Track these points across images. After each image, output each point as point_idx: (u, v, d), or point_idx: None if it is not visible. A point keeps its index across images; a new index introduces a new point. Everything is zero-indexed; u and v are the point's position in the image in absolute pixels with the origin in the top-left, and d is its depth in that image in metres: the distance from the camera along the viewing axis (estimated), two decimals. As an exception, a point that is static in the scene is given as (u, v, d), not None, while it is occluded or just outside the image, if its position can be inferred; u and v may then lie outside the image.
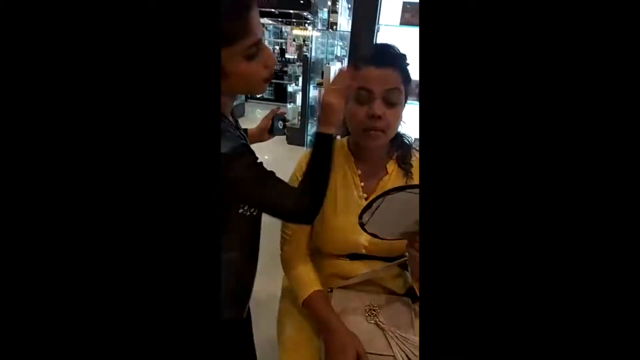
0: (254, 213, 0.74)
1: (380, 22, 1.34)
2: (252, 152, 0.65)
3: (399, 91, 0.71)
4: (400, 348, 0.70)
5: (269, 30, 7.12)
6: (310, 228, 0.83)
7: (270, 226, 0.82)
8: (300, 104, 3.55)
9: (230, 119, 0.69)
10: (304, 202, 0.64)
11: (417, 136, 1.43)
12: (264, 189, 0.63)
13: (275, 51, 6.70)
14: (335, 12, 1.64)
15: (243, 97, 5.73)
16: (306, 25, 5.47)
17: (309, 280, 0.80)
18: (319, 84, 1.93)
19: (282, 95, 6.05)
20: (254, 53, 0.59)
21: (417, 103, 1.39)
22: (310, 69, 2.28)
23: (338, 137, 1.02)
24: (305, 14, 4.56)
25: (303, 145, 3.56)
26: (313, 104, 3.29)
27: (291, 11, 4.82)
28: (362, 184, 0.80)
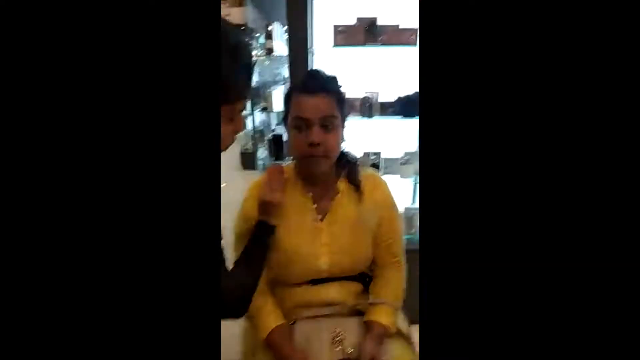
0: None
1: (314, 46, 1.38)
2: None
3: (334, 117, 0.72)
4: None
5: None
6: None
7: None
8: (251, 128, 3.59)
9: None
10: (233, 292, 0.58)
11: (361, 153, 1.47)
12: None
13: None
14: (270, 37, 1.66)
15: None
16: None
17: (269, 315, 0.77)
18: (264, 109, 1.94)
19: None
20: (232, 117, 0.53)
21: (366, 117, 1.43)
22: (253, 94, 2.29)
23: (285, 162, 1.02)
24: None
25: (255, 169, 3.58)
26: (262, 128, 3.36)
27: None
28: (315, 205, 0.80)
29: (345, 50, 1.35)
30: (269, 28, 1.64)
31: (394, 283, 0.83)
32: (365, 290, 0.84)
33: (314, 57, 1.39)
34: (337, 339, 0.74)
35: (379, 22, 1.31)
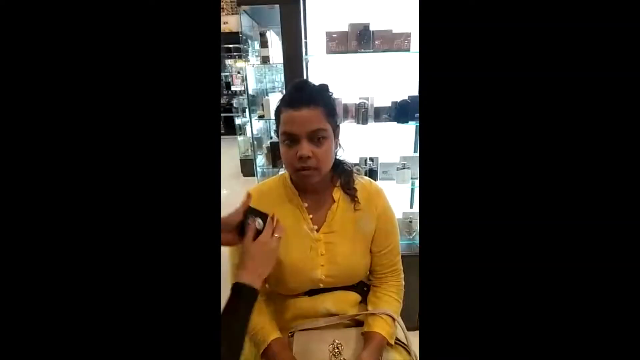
0: None
1: (308, 54, 1.38)
2: None
3: (322, 129, 0.69)
4: None
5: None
6: None
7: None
8: (250, 135, 3.60)
9: None
10: None
11: (357, 159, 1.47)
12: None
13: (222, 84, 6.73)
14: (265, 45, 1.67)
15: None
16: (242, 58, 5.55)
17: (266, 329, 0.76)
18: (260, 117, 1.94)
19: (231, 128, 6.07)
20: None
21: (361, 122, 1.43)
22: (251, 101, 2.28)
23: (282, 170, 1.02)
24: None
25: (254, 176, 3.60)
26: (259, 135, 3.38)
27: (230, 45, 4.80)
28: (311, 216, 0.79)
29: (340, 56, 1.35)
30: (265, 36, 1.65)
31: (392, 292, 0.82)
32: (364, 300, 0.84)
33: (309, 64, 1.39)
34: (336, 349, 0.74)
35: (372, 27, 1.31)
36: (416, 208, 1.69)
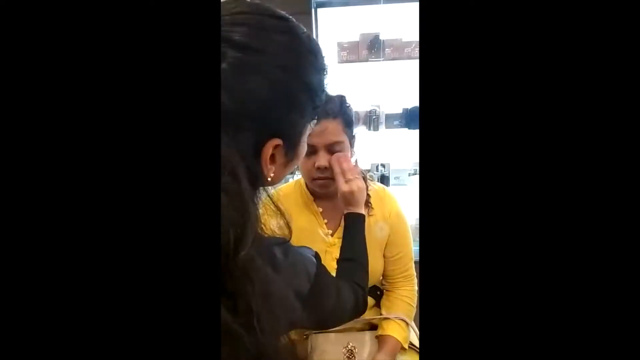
0: None
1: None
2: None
3: (340, 142, 0.71)
4: None
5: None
6: None
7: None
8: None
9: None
10: (360, 296, 0.56)
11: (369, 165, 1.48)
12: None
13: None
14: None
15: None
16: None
17: None
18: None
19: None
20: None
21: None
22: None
23: (296, 176, 1.04)
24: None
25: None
26: None
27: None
28: (326, 221, 0.81)
29: (351, 65, 1.38)
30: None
31: (406, 296, 0.83)
32: (377, 304, 0.85)
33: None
34: (350, 352, 0.75)
35: (382, 37, 1.34)
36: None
